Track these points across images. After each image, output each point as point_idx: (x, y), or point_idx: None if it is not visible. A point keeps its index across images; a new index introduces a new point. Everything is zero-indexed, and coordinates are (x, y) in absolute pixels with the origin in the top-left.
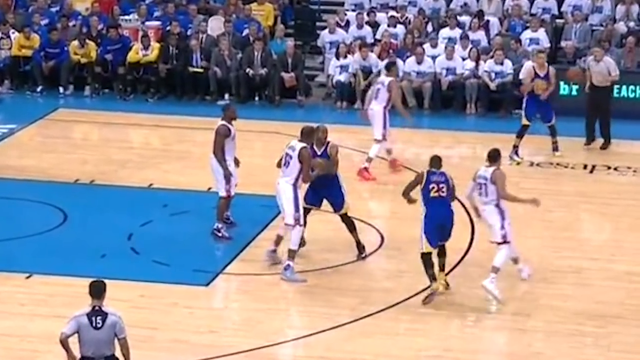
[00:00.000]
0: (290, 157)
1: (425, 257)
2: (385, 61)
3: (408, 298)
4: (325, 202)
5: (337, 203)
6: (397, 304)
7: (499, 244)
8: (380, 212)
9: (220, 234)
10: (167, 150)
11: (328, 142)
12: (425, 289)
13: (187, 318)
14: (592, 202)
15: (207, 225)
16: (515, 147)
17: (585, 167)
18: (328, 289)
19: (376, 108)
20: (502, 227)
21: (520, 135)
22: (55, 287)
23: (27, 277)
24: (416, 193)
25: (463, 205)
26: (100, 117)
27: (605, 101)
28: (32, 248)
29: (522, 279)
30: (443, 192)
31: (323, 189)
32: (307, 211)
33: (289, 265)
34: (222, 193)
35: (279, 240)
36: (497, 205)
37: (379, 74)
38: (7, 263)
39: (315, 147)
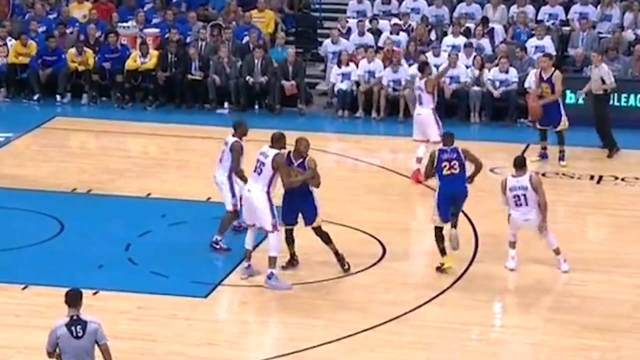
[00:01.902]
0: (263, 164)
1: (437, 231)
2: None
3: (410, 311)
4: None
5: (309, 217)
6: (399, 316)
7: (543, 232)
8: (382, 224)
9: (218, 247)
10: (165, 159)
11: (306, 156)
12: (428, 301)
13: (185, 330)
14: (599, 213)
15: (206, 236)
16: (544, 148)
17: (592, 177)
18: (329, 301)
19: (424, 112)
20: (543, 220)
21: (542, 139)
22: (52, 299)
23: (23, 288)
24: None
25: (467, 217)
26: (98, 125)
27: (601, 109)
28: (28, 259)
29: (510, 267)
30: (455, 169)
31: (297, 203)
32: (290, 231)
33: (272, 273)
34: (229, 207)
35: (249, 255)
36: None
37: (380, 81)
38: (3, 274)
39: (292, 157)
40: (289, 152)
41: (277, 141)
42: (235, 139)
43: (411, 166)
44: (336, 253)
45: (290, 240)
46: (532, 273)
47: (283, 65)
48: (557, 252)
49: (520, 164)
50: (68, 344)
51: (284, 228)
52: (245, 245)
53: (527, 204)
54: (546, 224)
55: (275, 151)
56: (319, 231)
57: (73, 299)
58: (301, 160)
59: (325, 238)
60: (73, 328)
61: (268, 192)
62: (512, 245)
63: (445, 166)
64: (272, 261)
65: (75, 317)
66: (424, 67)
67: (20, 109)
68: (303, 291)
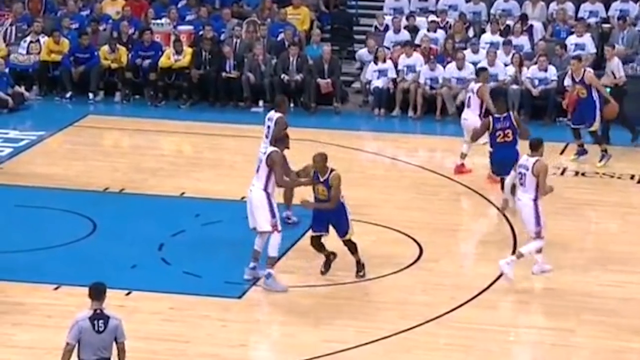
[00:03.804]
0: (260, 161)
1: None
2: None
3: (447, 312)
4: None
5: (341, 230)
6: (436, 318)
7: (534, 238)
8: (418, 224)
9: (290, 221)
10: (199, 157)
11: (332, 170)
12: (465, 302)
13: (218, 331)
14: (639, 213)
15: (240, 236)
16: (580, 146)
17: (632, 177)
18: (365, 302)
19: (470, 117)
20: (538, 224)
21: (576, 137)
22: (84, 299)
23: (56, 288)
24: None
25: (506, 218)
26: (131, 123)
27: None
28: (60, 258)
29: (533, 272)
30: (509, 137)
31: (329, 214)
32: (318, 237)
33: (269, 273)
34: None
35: (257, 255)
36: (534, 201)
37: (418, 79)
38: (35, 274)
39: (319, 173)
40: (315, 170)
41: (280, 141)
42: (280, 114)
43: (448, 165)
44: (358, 262)
45: (318, 247)
46: (568, 275)
47: (318, 63)
48: (519, 255)
49: (534, 146)
50: (89, 337)
51: (310, 235)
52: (254, 246)
53: (524, 185)
54: (541, 228)
55: (273, 149)
56: (348, 243)
57: (97, 293)
58: (327, 175)
59: (353, 249)
60: (96, 322)
61: (267, 190)
62: (538, 251)
63: (499, 135)
64: (271, 261)
65: (98, 311)
66: (480, 72)
67: (53, 107)
68: (339, 292)
